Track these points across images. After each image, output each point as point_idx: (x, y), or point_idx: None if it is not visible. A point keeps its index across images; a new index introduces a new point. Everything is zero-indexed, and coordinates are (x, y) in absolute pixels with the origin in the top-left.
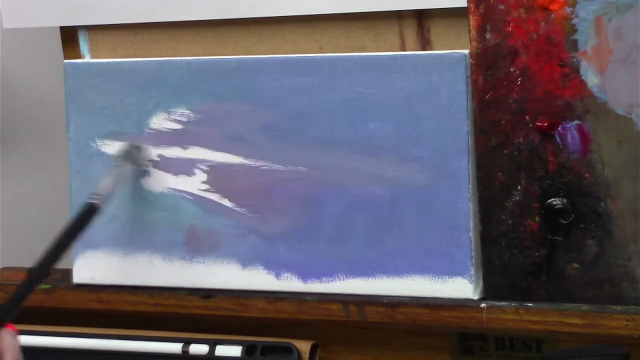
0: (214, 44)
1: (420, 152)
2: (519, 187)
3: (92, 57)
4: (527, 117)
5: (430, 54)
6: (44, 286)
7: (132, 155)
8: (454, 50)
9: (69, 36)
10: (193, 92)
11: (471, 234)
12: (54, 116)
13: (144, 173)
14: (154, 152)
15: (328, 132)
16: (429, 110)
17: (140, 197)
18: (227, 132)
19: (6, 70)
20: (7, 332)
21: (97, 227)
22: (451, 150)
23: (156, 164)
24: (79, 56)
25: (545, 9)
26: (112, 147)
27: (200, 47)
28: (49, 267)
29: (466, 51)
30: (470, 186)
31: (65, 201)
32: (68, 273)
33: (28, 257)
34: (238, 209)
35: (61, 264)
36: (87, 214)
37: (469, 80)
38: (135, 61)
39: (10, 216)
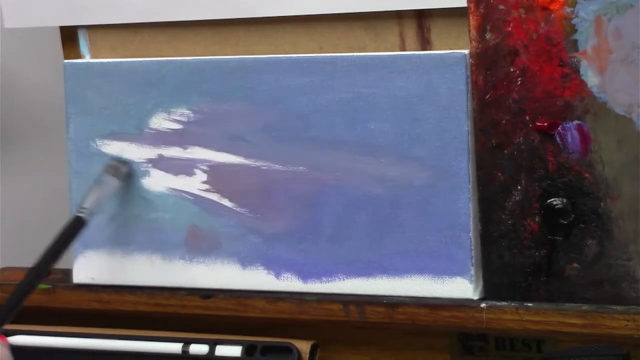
0: (214, 44)
1: (420, 152)
2: (519, 187)
3: (92, 57)
4: (527, 117)
5: (430, 54)
6: (44, 286)
7: (117, 171)
8: (454, 51)
9: (69, 36)
10: (193, 92)
11: (471, 234)
12: (54, 116)
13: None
14: (154, 152)
15: (328, 132)
16: (429, 110)
17: (140, 197)
18: (227, 132)
19: (6, 70)
20: None
21: (97, 227)
22: (451, 150)
23: (156, 164)
24: (79, 56)
25: (545, 9)
26: (112, 147)
27: (200, 47)
28: (36, 281)
29: (466, 51)
30: (470, 186)
31: (65, 201)
32: (68, 273)
33: (28, 257)
34: (238, 209)
35: (61, 264)
36: (74, 227)
37: (469, 80)
38: (135, 61)
39: (10, 216)
